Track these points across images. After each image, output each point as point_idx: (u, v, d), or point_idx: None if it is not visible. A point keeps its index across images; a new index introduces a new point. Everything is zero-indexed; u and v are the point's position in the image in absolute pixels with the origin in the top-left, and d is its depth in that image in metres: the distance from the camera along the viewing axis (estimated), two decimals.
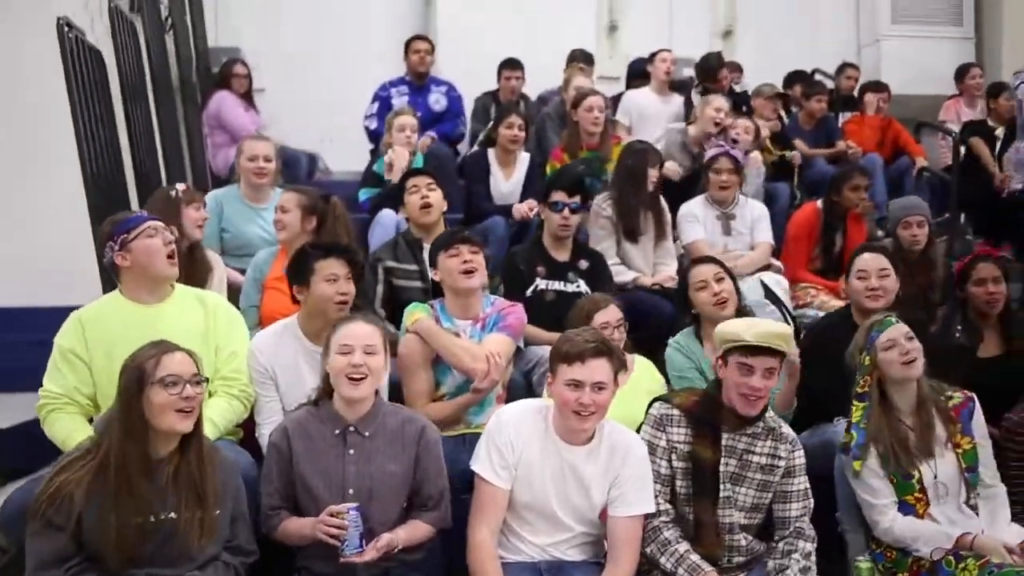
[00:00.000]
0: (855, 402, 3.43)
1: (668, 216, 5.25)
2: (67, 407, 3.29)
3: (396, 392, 3.77)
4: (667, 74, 7.33)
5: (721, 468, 3.13)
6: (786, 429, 3.22)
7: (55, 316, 3.46)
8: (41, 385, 3.34)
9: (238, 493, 2.94)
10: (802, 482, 3.18)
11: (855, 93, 7.85)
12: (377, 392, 3.16)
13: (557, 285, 4.61)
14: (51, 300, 3.60)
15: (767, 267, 5.21)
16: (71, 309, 3.43)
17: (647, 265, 5.09)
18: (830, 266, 5.21)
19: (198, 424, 2.82)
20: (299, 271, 3.62)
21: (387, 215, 5.11)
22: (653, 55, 7.56)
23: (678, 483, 3.15)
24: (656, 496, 3.10)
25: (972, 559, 3.15)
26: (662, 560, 3.05)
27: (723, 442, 3.14)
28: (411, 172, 4.86)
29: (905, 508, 3.38)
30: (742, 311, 4.11)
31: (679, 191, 5.57)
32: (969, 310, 4.17)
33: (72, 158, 4.25)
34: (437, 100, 7.00)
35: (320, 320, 3.53)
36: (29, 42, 4.81)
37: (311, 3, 8.35)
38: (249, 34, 8.12)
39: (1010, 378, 3.86)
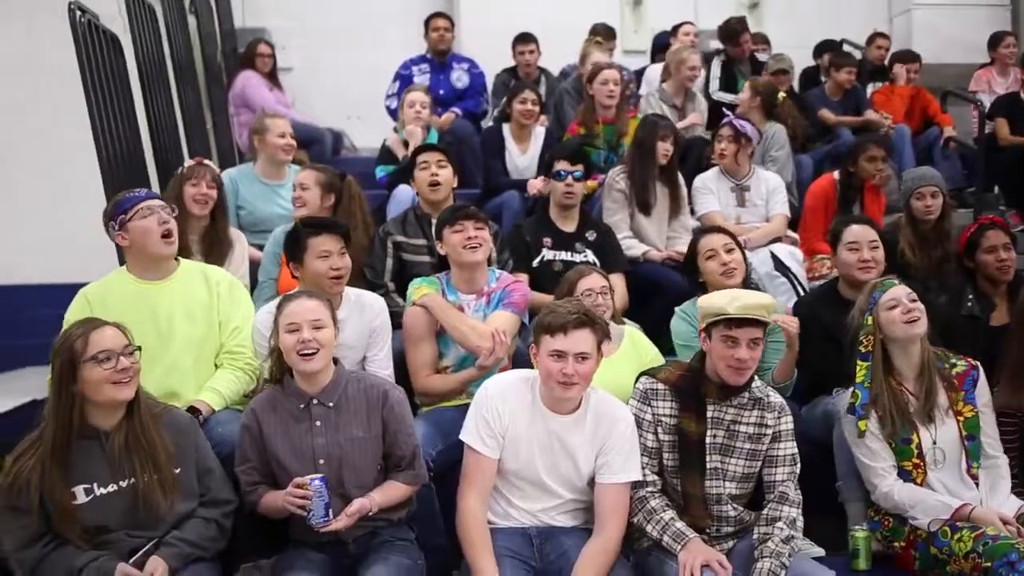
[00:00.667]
0: (859, 361, 3.43)
1: (684, 191, 5.25)
2: None
3: (401, 362, 3.85)
4: (692, 46, 7.30)
5: (708, 440, 3.15)
6: (774, 397, 3.23)
7: None
8: None
9: (198, 449, 3.04)
10: (789, 447, 3.18)
11: (885, 63, 7.74)
12: (336, 361, 3.21)
13: (564, 255, 4.66)
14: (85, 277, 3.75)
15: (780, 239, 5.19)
16: None
17: (660, 239, 5.09)
18: None
19: (138, 391, 2.91)
20: (293, 249, 3.69)
21: (403, 191, 5.18)
22: (676, 28, 7.56)
23: (665, 456, 3.18)
24: (643, 468, 3.13)
25: (967, 530, 3.15)
26: (648, 528, 3.08)
27: (709, 414, 3.16)
28: (422, 148, 4.88)
29: (903, 475, 3.38)
30: (748, 282, 4.12)
31: (695, 165, 5.57)
32: (979, 279, 4.13)
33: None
34: (459, 77, 7.01)
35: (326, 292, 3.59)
36: (46, 25, 4.86)
37: None
38: (276, 14, 8.25)
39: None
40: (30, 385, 4.47)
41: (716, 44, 7.77)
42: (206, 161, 4.53)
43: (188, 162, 4.48)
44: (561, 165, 4.66)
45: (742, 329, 3.04)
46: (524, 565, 3.02)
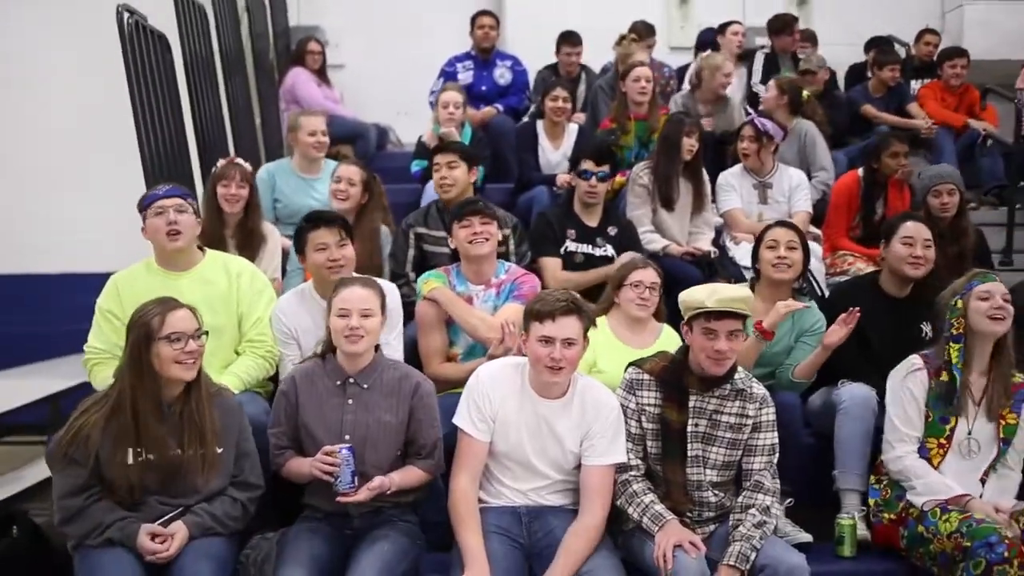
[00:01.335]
0: (951, 344, 3.51)
1: (708, 187, 5.35)
2: (108, 361, 3.62)
3: (413, 349, 4.05)
4: (739, 47, 7.40)
5: (690, 429, 3.28)
6: (756, 388, 3.34)
7: None
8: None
9: (242, 433, 3.26)
10: (769, 437, 3.30)
11: (934, 59, 7.70)
12: (378, 348, 3.42)
13: (586, 248, 4.81)
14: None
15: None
16: None
17: (682, 234, 5.20)
18: (870, 234, 5.18)
19: (200, 371, 3.15)
20: (298, 242, 3.94)
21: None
22: (724, 27, 7.61)
23: (649, 443, 3.31)
24: (628, 453, 3.28)
25: (956, 512, 3.27)
26: (629, 510, 3.23)
27: (691, 404, 3.28)
28: (437, 149, 5.06)
29: (922, 451, 3.49)
30: (803, 285, 4.23)
31: (718, 162, 5.66)
32: None
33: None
34: (502, 74, 7.18)
35: (323, 283, 3.83)
36: (93, 23, 5.14)
37: None
38: (331, 12, 8.48)
39: None
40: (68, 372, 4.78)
41: (761, 40, 7.83)
42: (238, 160, 4.76)
43: (221, 161, 4.70)
44: (587, 164, 4.80)
45: (721, 322, 3.16)
46: (512, 542, 3.19)
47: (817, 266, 4.98)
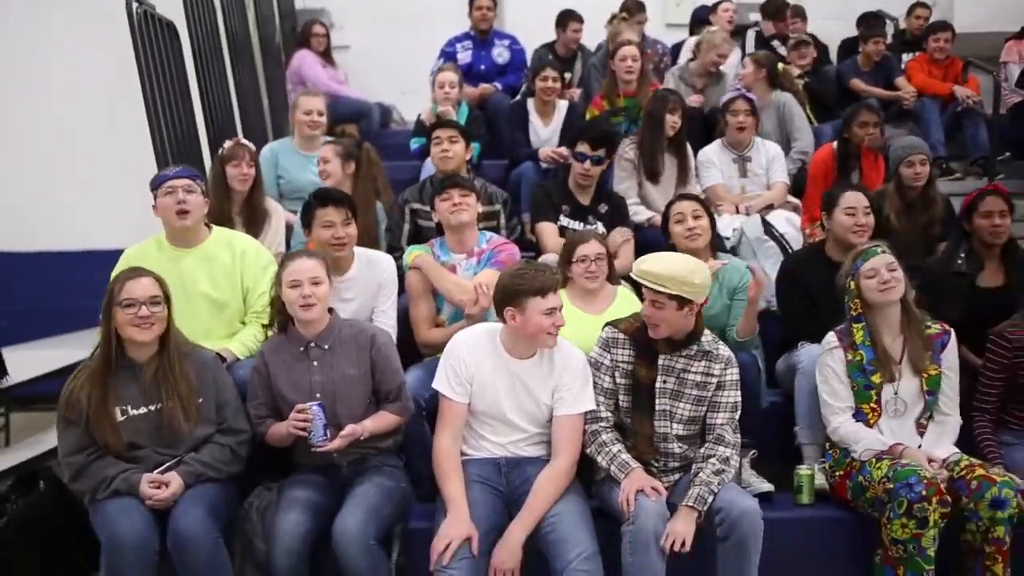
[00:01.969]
0: (853, 324, 3.80)
1: (692, 161, 5.61)
2: None
3: (405, 317, 4.35)
4: (729, 23, 7.60)
5: (658, 385, 3.55)
6: (722, 350, 3.61)
7: None
8: None
9: (219, 384, 3.57)
10: (731, 396, 3.56)
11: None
12: (331, 310, 3.71)
13: (577, 225, 5.08)
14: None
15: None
16: None
17: None
18: None
19: (169, 333, 3.47)
20: (305, 217, 4.21)
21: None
22: (716, 4, 7.81)
23: (621, 397, 3.60)
24: (599, 406, 3.57)
25: (887, 460, 3.54)
26: (599, 459, 3.51)
27: (660, 362, 3.55)
28: (437, 124, 5.36)
29: (859, 415, 3.76)
30: (715, 248, 4.47)
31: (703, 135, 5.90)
32: (974, 240, 4.39)
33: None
34: (500, 53, 7.43)
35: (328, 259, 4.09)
36: (102, 10, 5.43)
37: None
38: None
39: (1007, 308, 4.09)
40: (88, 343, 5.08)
41: (755, 16, 8.03)
42: (243, 140, 5.04)
43: (228, 143, 4.94)
44: (583, 147, 5.04)
45: (646, 289, 3.46)
46: (492, 489, 3.50)
47: (795, 235, 5.23)
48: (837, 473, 3.78)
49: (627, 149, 5.46)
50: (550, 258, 4.68)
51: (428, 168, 5.67)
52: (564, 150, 5.67)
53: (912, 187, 4.95)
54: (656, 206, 5.39)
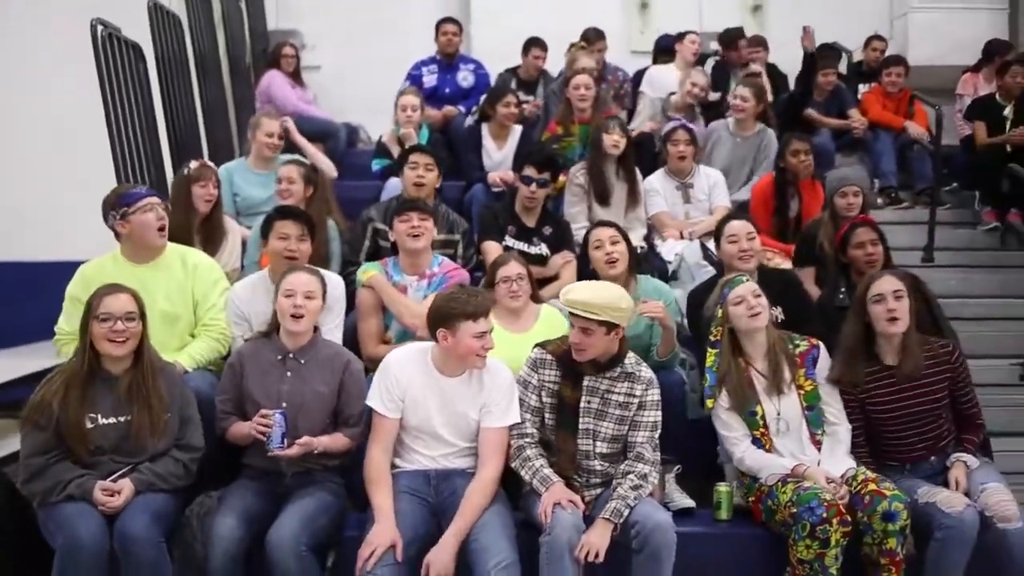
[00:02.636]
0: (709, 349, 4.00)
1: (641, 185, 5.80)
2: (75, 342, 4.02)
3: (353, 333, 4.54)
4: (694, 55, 7.82)
5: (582, 405, 3.73)
6: (644, 371, 3.79)
7: None
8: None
9: (184, 401, 3.74)
10: (652, 415, 3.75)
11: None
12: (317, 330, 3.90)
13: (522, 246, 5.27)
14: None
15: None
16: None
17: None
18: (785, 230, 5.68)
19: (143, 347, 3.64)
20: (264, 228, 4.42)
21: (394, 183, 5.88)
22: (682, 35, 8.03)
23: (546, 416, 3.78)
24: (525, 423, 3.75)
25: (792, 484, 3.73)
26: (522, 473, 3.69)
27: (585, 383, 3.74)
28: (415, 148, 5.54)
29: (756, 442, 3.93)
30: (634, 272, 4.60)
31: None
32: (852, 272, 4.59)
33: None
34: (465, 77, 7.64)
35: (278, 272, 4.26)
36: (66, 30, 5.56)
37: None
38: (308, 16, 8.91)
39: None
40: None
41: (716, 45, 8.24)
42: (208, 163, 5.21)
43: (193, 163, 5.08)
44: (529, 171, 5.26)
45: (575, 317, 3.64)
46: (421, 500, 3.67)
47: None
48: (750, 498, 3.95)
49: (578, 174, 5.67)
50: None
51: (389, 188, 5.86)
52: (510, 174, 5.88)
53: (845, 217, 5.14)
54: None
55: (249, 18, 7.82)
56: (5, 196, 7.16)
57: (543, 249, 5.24)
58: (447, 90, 7.54)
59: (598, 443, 3.75)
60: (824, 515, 3.53)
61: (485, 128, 6.42)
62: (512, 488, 3.82)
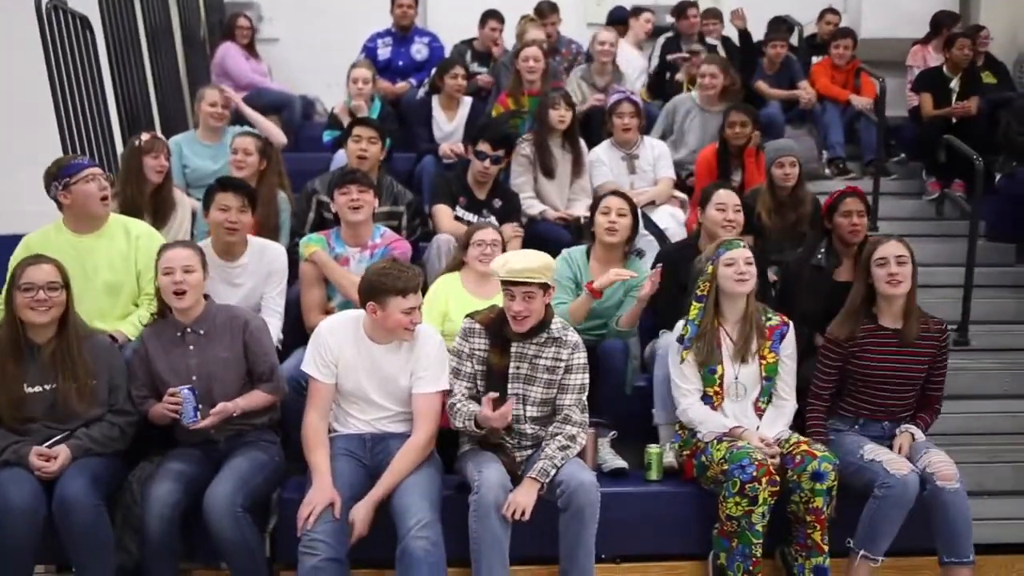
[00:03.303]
0: (694, 302, 4.11)
1: (586, 157, 5.89)
2: None
3: (297, 303, 4.64)
4: (646, 33, 7.90)
5: (511, 371, 3.83)
6: (570, 335, 3.88)
7: None
8: None
9: (112, 368, 3.81)
10: (579, 378, 3.85)
11: None
12: (207, 296, 3.96)
13: (471, 217, 5.36)
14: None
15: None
16: None
17: (561, 200, 5.77)
18: None
19: (67, 317, 3.71)
20: (206, 199, 4.47)
21: (343, 154, 5.84)
22: (638, 12, 8.10)
23: (478, 382, 3.88)
24: (459, 389, 3.84)
25: (727, 442, 3.86)
26: (456, 422, 3.79)
27: (512, 350, 3.83)
28: (359, 121, 5.58)
29: (706, 399, 4.06)
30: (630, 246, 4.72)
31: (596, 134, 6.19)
32: (834, 238, 4.71)
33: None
34: (419, 50, 7.69)
35: (220, 242, 4.37)
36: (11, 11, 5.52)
37: None
38: None
39: None
40: None
41: (672, 18, 8.32)
42: (159, 135, 5.24)
43: (144, 135, 5.06)
44: (483, 147, 5.33)
45: (516, 287, 3.71)
46: (358, 462, 3.78)
47: (677, 230, 5.54)
48: (685, 453, 4.09)
49: (524, 146, 5.74)
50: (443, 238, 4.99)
51: (337, 160, 5.92)
52: (459, 146, 5.97)
53: (782, 187, 5.26)
54: (550, 200, 5.71)
55: None
56: None
57: (492, 221, 5.32)
58: (401, 62, 7.59)
59: (528, 407, 3.85)
60: (754, 473, 3.67)
61: (435, 100, 6.50)
62: (450, 449, 3.93)
